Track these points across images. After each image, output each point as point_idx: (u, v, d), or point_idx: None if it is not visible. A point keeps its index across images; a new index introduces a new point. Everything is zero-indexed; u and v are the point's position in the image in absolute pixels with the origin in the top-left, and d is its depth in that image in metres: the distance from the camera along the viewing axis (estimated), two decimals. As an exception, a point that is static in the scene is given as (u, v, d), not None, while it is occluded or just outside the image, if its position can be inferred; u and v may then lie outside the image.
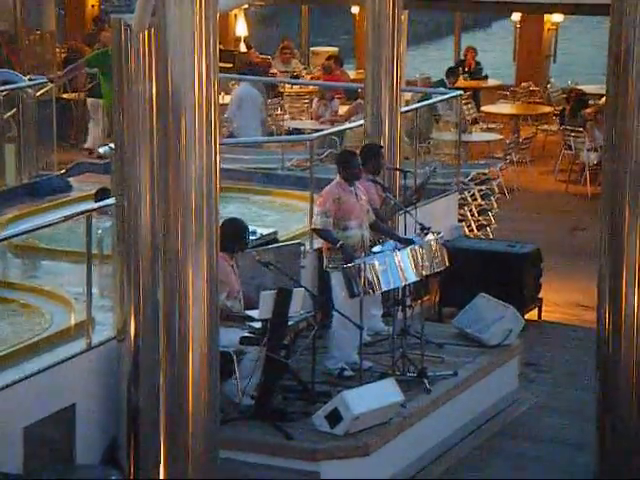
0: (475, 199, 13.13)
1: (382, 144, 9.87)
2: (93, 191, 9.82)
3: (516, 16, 19.20)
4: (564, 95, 17.51)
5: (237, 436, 7.61)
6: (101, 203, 8.26)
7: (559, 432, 8.81)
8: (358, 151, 9.18)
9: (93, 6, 20.38)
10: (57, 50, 18.89)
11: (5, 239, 8.43)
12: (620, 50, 7.01)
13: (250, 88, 14.81)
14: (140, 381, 7.22)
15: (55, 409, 7.29)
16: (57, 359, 7.40)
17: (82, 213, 7.89)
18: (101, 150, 11.32)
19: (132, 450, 7.27)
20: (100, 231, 8.50)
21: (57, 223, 8.07)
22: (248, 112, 14.52)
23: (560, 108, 17.18)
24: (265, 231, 9.38)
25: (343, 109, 15.82)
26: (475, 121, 17.07)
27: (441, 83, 16.15)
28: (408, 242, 8.44)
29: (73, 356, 7.49)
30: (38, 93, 12.45)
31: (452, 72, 16.57)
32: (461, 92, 12.81)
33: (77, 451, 7.45)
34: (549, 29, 19.06)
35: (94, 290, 7.83)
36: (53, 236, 9.40)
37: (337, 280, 8.40)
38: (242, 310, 8.04)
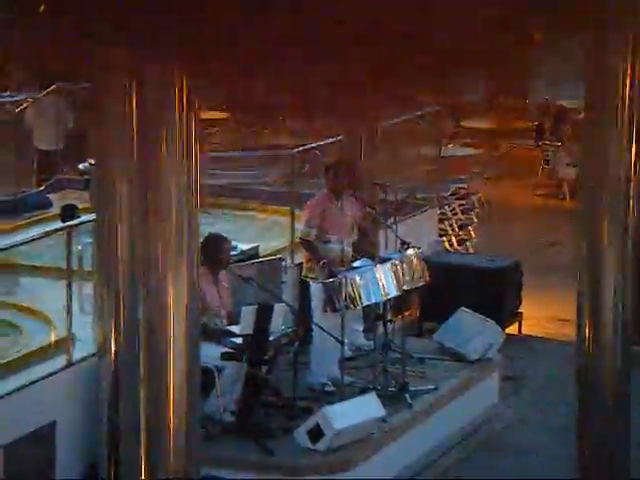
0: (455, 214, 13.17)
1: (359, 159, 9.89)
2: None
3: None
4: (540, 110, 17.58)
5: (219, 453, 7.59)
6: (81, 219, 8.24)
7: (539, 445, 8.83)
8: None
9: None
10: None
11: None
12: (598, 65, 7.06)
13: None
14: (121, 397, 7.20)
15: (35, 426, 7.25)
16: (37, 376, 7.36)
17: (62, 229, 7.87)
18: (81, 166, 11.30)
19: (113, 467, 7.23)
20: (80, 247, 8.47)
21: (37, 239, 8.04)
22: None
23: (536, 123, 17.26)
24: (246, 246, 9.37)
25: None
26: (454, 136, 17.13)
27: None
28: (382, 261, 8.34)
29: (53, 373, 7.46)
30: (18, 109, 12.43)
31: None
32: (439, 107, 12.83)
33: (58, 468, 7.41)
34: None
35: (74, 306, 7.80)
36: (32, 252, 9.35)
37: (316, 292, 8.39)
38: (223, 325, 8.03)
